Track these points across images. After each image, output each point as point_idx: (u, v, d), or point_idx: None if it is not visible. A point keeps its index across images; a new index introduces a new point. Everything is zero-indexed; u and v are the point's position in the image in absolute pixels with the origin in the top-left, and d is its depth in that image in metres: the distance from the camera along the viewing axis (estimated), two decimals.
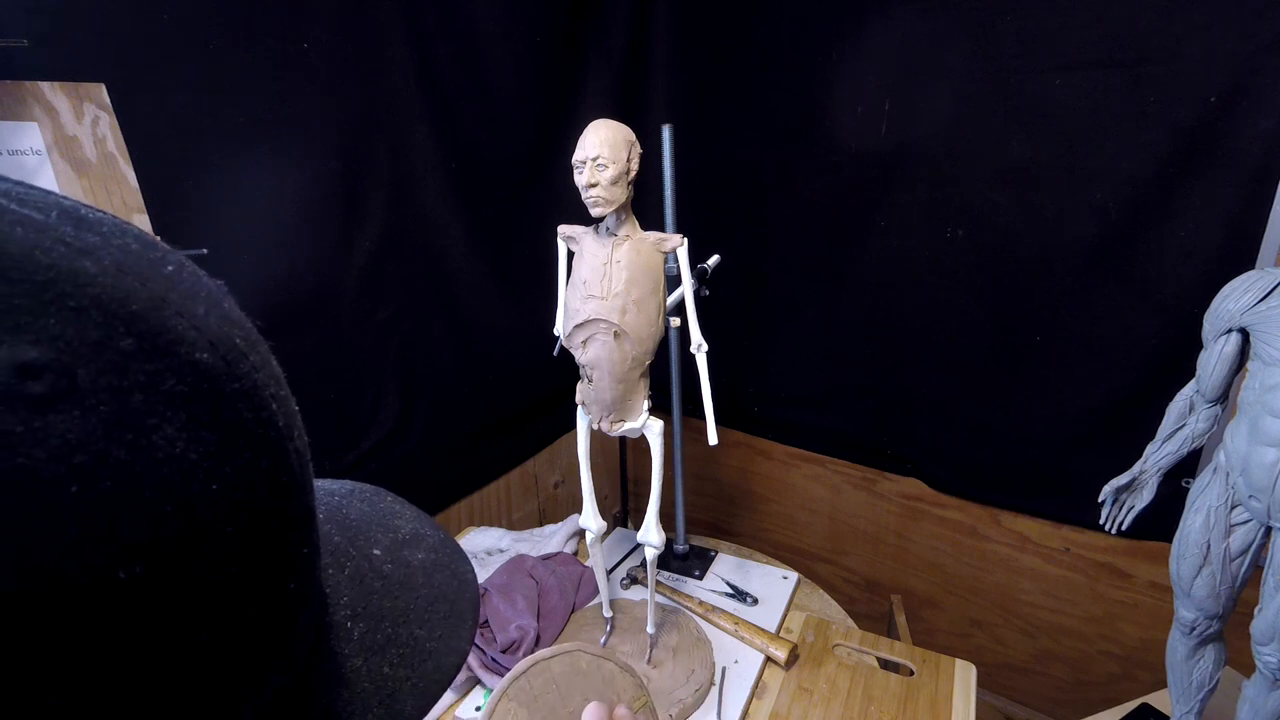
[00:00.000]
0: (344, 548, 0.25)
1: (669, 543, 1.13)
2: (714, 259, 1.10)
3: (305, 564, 0.20)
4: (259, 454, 0.18)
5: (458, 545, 0.31)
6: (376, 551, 0.26)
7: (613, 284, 0.77)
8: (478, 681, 0.93)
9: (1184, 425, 0.79)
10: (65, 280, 0.15)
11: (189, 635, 0.15)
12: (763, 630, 1.00)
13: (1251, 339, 0.69)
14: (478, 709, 0.90)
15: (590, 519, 0.91)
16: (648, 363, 0.82)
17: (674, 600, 1.08)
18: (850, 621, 1.09)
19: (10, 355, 0.13)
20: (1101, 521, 0.87)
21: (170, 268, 0.18)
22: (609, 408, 0.83)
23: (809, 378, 1.64)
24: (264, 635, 0.18)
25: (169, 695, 0.15)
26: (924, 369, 1.46)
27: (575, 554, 1.22)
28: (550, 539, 1.25)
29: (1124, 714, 1.04)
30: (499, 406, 1.59)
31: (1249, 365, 0.70)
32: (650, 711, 0.57)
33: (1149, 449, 0.83)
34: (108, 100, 0.87)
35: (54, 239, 0.15)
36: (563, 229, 0.84)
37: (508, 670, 0.90)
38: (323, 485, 0.28)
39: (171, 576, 0.15)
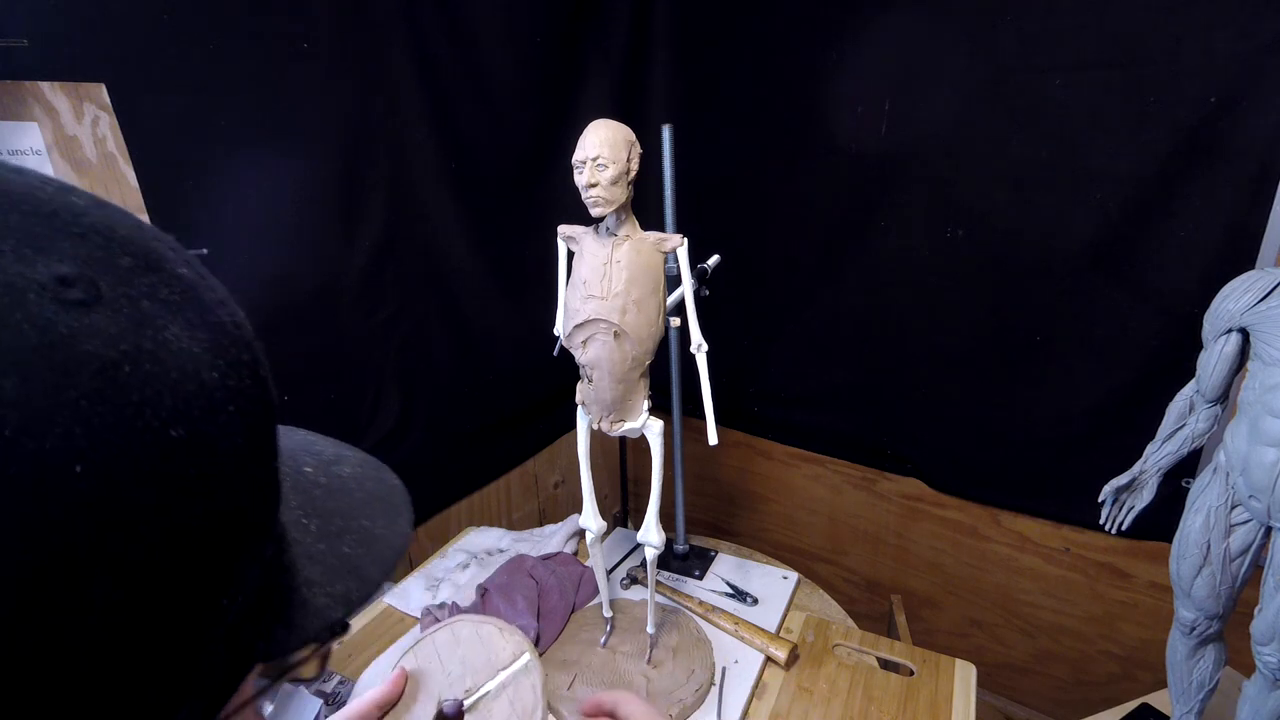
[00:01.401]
0: (279, 467, 0.29)
1: (669, 543, 1.13)
2: (714, 259, 1.10)
3: (277, 447, 0.24)
4: (240, 350, 0.22)
5: (379, 461, 0.35)
6: (307, 469, 0.30)
7: (613, 284, 0.77)
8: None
9: (1184, 425, 0.79)
10: (65, 212, 0.18)
11: (217, 485, 0.19)
12: (763, 630, 1.00)
13: (1251, 339, 0.69)
14: None
15: (590, 519, 0.91)
16: (648, 363, 0.82)
17: (674, 600, 1.08)
18: (850, 621, 1.09)
19: (49, 269, 0.17)
20: (1101, 521, 0.87)
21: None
22: (609, 408, 0.83)
23: (809, 378, 1.64)
24: (264, 493, 0.23)
25: (201, 533, 0.19)
26: (924, 369, 1.46)
27: (575, 554, 1.22)
28: (550, 539, 1.25)
29: (1124, 714, 1.04)
30: (499, 406, 1.59)
31: (1249, 365, 0.70)
32: (529, 670, 0.58)
33: (1149, 449, 0.83)
34: (108, 100, 0.87)
35: (41, 182, 0.19)
36: (563, 229, 0.84)
37: None
38: None
39: (200, 440, 0.19)
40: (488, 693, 0.58)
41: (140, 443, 0.17)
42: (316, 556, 0.26)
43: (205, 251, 0.95)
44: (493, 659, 0.60)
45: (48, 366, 0.16)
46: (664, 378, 1.12)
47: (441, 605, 1.02)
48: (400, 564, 1.41)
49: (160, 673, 0.18)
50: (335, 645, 0.29)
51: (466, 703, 0.58)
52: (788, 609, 1.09)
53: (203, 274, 0.23)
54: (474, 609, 1.02)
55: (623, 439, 1.52)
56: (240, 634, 0.21)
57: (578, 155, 0.75)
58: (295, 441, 0.32)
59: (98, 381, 0.16)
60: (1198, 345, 0.76)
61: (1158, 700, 1.05)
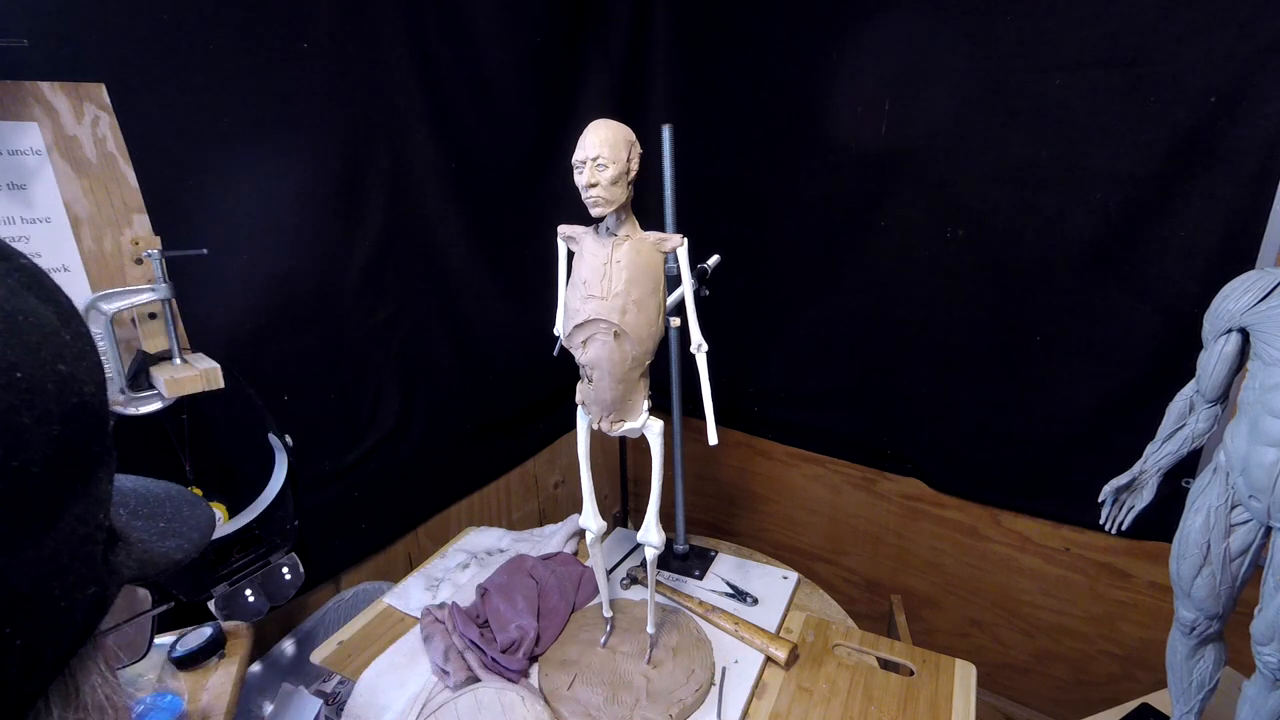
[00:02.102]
0: None
1: (669, 543, 1.13)
2: (714, 259, 1.10)
3: (106, 390, 0.29)
4: (80, 324, 0.27)
5: (160, 481, 0.42)
6: (127, 484, 0.37)
7: (613, 284, 0.77)
8: (478, 681, 0.93)
9: (1184, 425, 0.79)
10: None
11: (84, 411, 0.25)
12: (763, 630, 1.00)
13: (1251, 339, 0.69)
14: None
15: (590, 519, 0.91)
16: (648, 363, 0.82)
17: (674, 600, 1.08)
18: (850, 621, 1.09)
19: None
20: (1101, 521, 0.87)
21: None
22: (609, 408, 0.83)
23: (809, 378, 1.64)
24: (107, 429, 0.28)
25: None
26: (924, 369, 1.46)
27: (575, 554, 1.22)
28: (550, 539, 1.25)
29: (1124, 714, 1.04)
30: (499, 406, 1.59)
31: (1249, 365, 0.70)
32: None
33: (1149, 449, 0.82)
34: (108, 100, 0.87)
35: None
36: (563, 229, 0.84)
37: (508, 670, 0.90)
38: None
39: (73, 378, 0.25)
40: None
41: (43, 371, 0.23)
42: (135, 529, 0.33)
43: (205, 251, 0.94)
44: None
45: None
46: (664, 378, 1.12)
47: (441, 605, 1.02)
48: (401, 565, 1.41)
49: (76, 558, 0.25)
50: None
51: None
52: (788, 609, 1.09)
53: (37, 266, 0.28)
54: (474, 609, 1.02)
55: (623, 439, 1.52)
56: (105, 555, 0.28)
57: (577, 155, 0.75)
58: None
59: (6, 323, 0.22)
60: (1198, 345, 0.76)
61: (1158, 700, 1.05)
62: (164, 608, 0.36)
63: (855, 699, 0.91)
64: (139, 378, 0.91)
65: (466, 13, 1.30)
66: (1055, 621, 1.47)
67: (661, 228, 1.09)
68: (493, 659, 0.92)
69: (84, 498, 0.25)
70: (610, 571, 1.17)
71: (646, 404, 0.85)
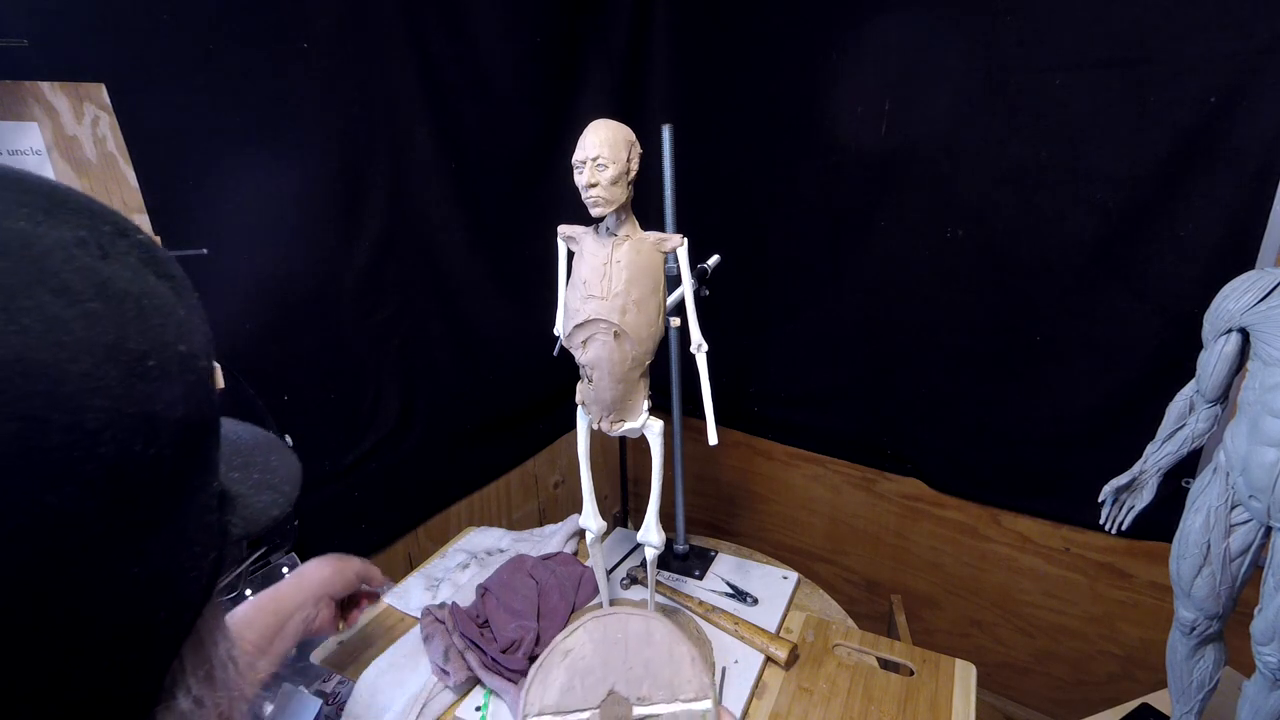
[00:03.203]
0: None
1: (669, 543, 1.13)
2: (714, 259, 1.10)
3: (214, 379, 0.30)
4: (190, 295, 0.27)
5: (247, 424, 0.43)
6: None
7: (613, 284, 0.77)
8: (478, 681, 0.93)
9: (1184, 425, 0.79)
10: (53, 192, 0.23)
11: (199, 385, 0.25)
12: (763, 630, 1.00)
13: (1251, 339, 0.69)
14: (478, 709, 0.90)
15: (590, 519, 0.91)
16: (648, 363, 0.82)
17: (674, 600, 1.08)
18: (850, 621, 1.09)
19: (70, 233, 0.22)
20: (1101, 521, 0.87)
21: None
22: (609, 408, 0.83)
23: (809, 378, 1.64)
24: (215, 398, 0.28)
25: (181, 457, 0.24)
26: (924, 369, 1.46)
27: (575, 554, 1.22)
28: (550, 539, 1.25)
29: (1124, 714, 1.04)
30: (499, 406, 1.59)
31: (1249, 365, 0.70)
32: (705, 718, 0.54)
33: (1149, 449, 0.82)
34: (108, 100, 0.86)
35: (20, 171, 0.24)
36: (563, 229, 0.84)
37: (508, 670, 0.90)
38: None
39: (188, 355, 0.24)
40: (658, 715, 0.55)
41: (168, 354, 0.23)
42: (234, 482, 0.33)
43: (205, 251, 0.94)
44: (676, 683, 0.56)
45: (107, 298, 0.21)
46: (664, 378, 1.12)
47: (441, 605, 1.02)
48: (401, 564, 1.41)
49: (187, 542, 0.25)
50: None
51: (635, 711, 0.56)
52: (788, 609, 1.09)
53: (150, 238, 0.28)
54: (474, 609, 1.02)
55: (623, 439, 1.52)
56: (221, 517, 0.29)
57: (578, 155, 0.75)
58: None
59: (135, 310, 0.22)
60: (1198, 345, 0.76)
61: (1158, 700, 1.05)
62: (253, 558, 0.37)
63: (855, 699, 0.91)
64: None
65: (466, 12, 1.30)
66: (1055, 621, 1.47)
67: (661, 228, 1.09)
68: (493, 659, 0.92)
69: (203, 469, 0.26)
70: (610, 571, 1.17)
71: (646, 404, 0.85)
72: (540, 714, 0.56)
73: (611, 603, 0.99)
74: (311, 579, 0.84)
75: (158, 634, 0.23)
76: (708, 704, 0.55)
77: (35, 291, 0.19)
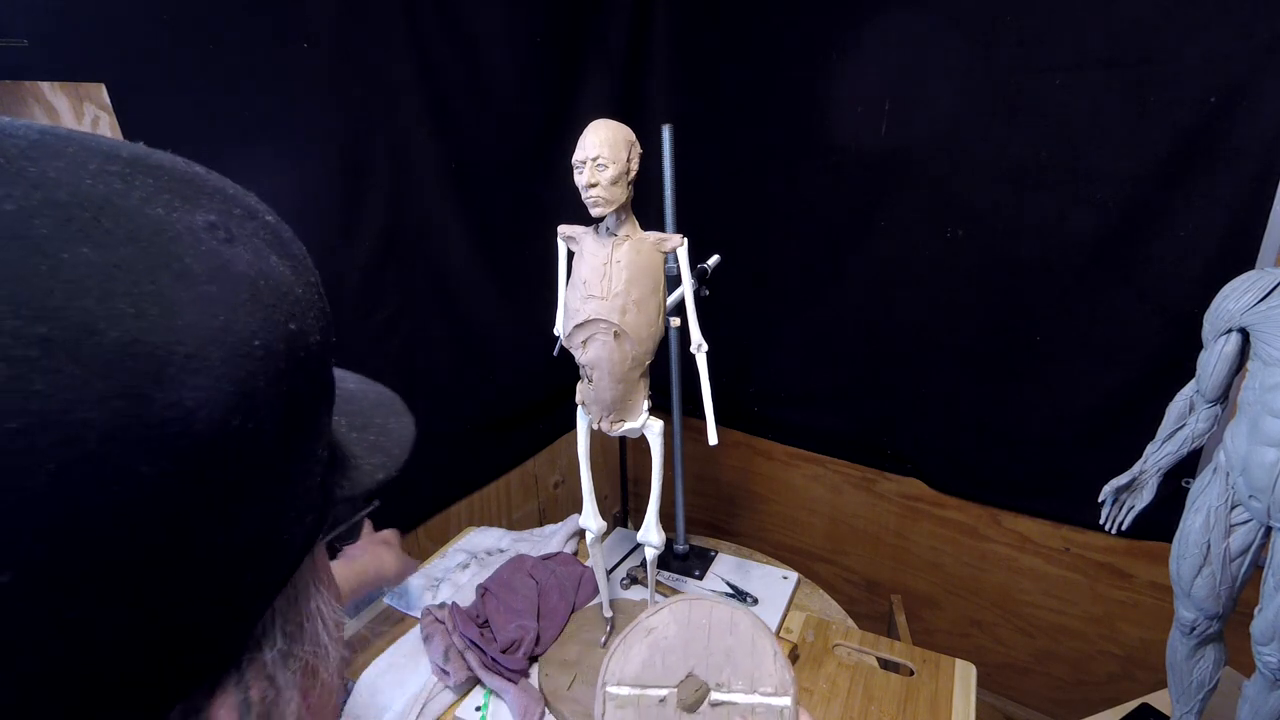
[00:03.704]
0: None
1: (669, 543, 1.13)
2: (714, 259, 1.10)
3: (327, 346, 0.29)
4: (309, 273, 0.28)
5: (364, 377, 0.44)
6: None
7: (613, 284, 0.77)
8: (478, 681, 0.93)
9: (1184, 425, 0.79)
10: (193, 176, 0.25)
11: (313, 365, 0.26)
12: None
13: (1251, 339, 0.69)
14: (478, 709, 0.90)
15: (590, 519, 0.91)
16: (648, 363, 0.82)
17: None
18: (850, 621, 1.09)
19: (203, 218, 0.23)
20: (1101, 521, 0.87)
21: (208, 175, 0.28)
22: (609, 408, 0.83)
23: (809, 378, 1.64)
24: (331, 375, 0.30)
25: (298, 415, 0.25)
26: (924, 369, 1.46)
27: (575, 554, 1.22)
28: (550, 539, 1.25)
29: (1124, 714, 1.04)
30: (499, 406, 1.59)
31: (1249, 365, 0.70)
32: (783, 716, 0.54)
33: (1149, 449, 0.83)
34: (108, 100, 0.86)
35: (166, 155, 0.26)
36: (563, 229, 0.84)
37: (508, 670, 0.90)
38: None
39: (302, 334, 0.25)
40: (735, 704, 0.55)
41: (277, 333, 0.23)
42: (352, 442, 0.34)
43: None
44: (756, 675, 0.56)
45: (223, 281, 0.22)
46: (664, 378, 1.12)
47: (442, 605, 1.02)
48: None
49: (300, 494, 0.26)
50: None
51: (713, 695, 0.56)
52: (788, 609, 1.09)
53: (278, 219, 0.30)
54: (474, 609, 1.02)
55: (623, 439, 1.52)
56: (329, 479, 0.29)
57: (577, 155, 0.75)
58: None
59: (249, 292, 0.23)
60: (1198, 345, 0.76)
61: (1158, 700, 1.05)
62: (373, 506, 0.37)
63: (855, 699, 0.91)
64: None
65: (466, 13, 1.30)
66: (1055, 621, 1.47)
67: (661, 228, 1.09)
68: (493, 659, 0.92)
69: (308, 438, 0.26)
70: (610, 571, 1.17)
71: (646, 404, 0.85)
72: (620, 684, 0.56)
73: (612, 605, 0.99)
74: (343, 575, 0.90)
75: (245, 593, 0.24)
76: (788, 701, 0.54)
77: (159, 276, 0.20)
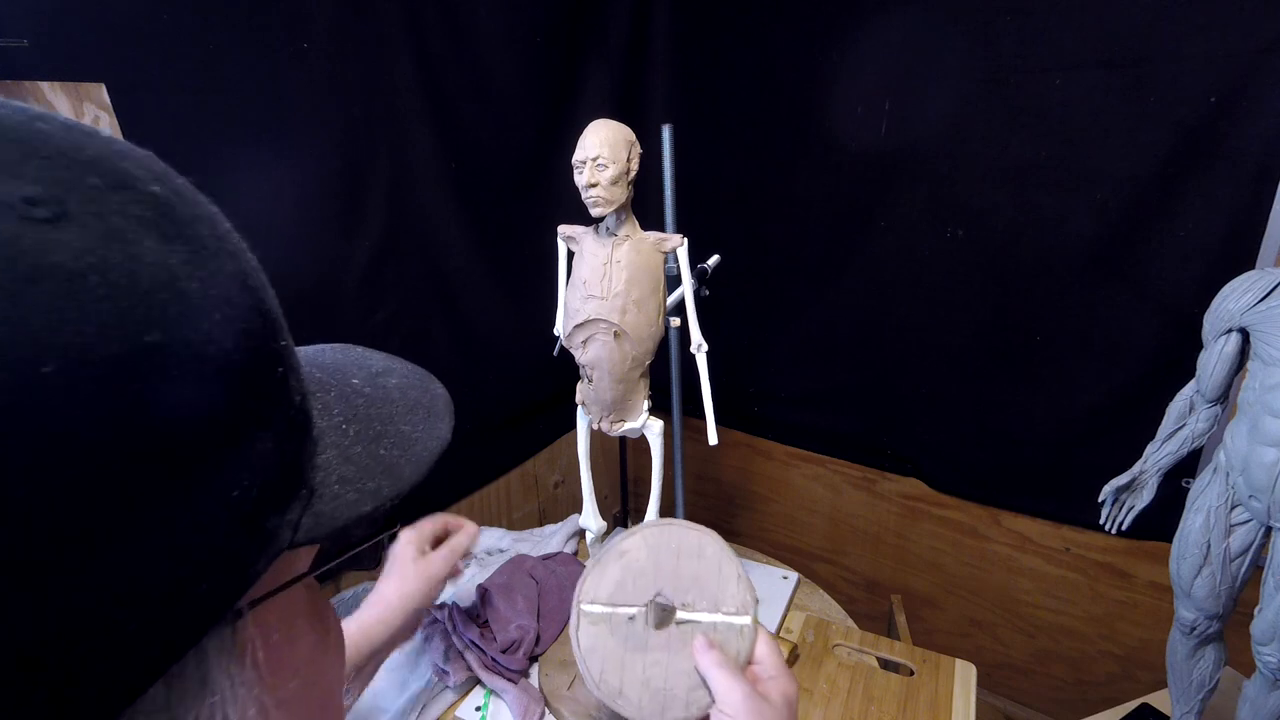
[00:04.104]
0: (325, 380, 0.32)
1: None
2: (714, 259, 1.10)
3: (281, 352, 0.25)
4: (224, 261, 0.23)
5: (426, 372, 0.40)
6: (355, 381, 0.34)
7: (613, 284, 0.77)
8: (478, 681, 0.93)
9: (1184, 425, 0.79)
10: (32, 138, 0.20)
11: (204, 386, 0.21)
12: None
13: (1251, 339, 0.69)
14: (478, 709, 0.90)
15: (590, 519, 0.91)
16: (648, 363, 0.82)
17: None
18: (850, 621, 1.09)
19: (17, 189, 0.18)
20: (1101, 521, 0.87)
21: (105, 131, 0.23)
22: (609, 408, 0.83)
23: (809, 378, 1.64)
24: (263, 393, 0.24)
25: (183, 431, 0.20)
26: (924, 369, 1.46)
27: (575, 554, 1.22)
28: (550, 539, 1.25)
29: (1124, 714, 1.04)
30: (499, 406, 1.59)
31: (1249, 365, 0.70)
32: (743, 634, 0.58)
33: (1149, 449, 0.83)
34: (108, 100, 0.86)
35: (10, 110, 0.20)
36: (563, 229, 0.84)
37: (508, 670, 0.90)
38: (300, 347, 0.34)
39: (180, 345, 0.20)
40: (699, 622, 0.59)
41: (112, 344, 0.18)
42: (353, 458, 0.29)
43: None
44: (720, 597, 0.60)
45: (12, 276, 0.17)
46: (664, 378, 1.12)
47: (441, 605, 1.02)
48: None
49: (173, 551, 0.20)
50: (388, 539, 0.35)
51: (679, 614, 0.59)
52: (788, 609, 1.09)
53: (178, 190, 0.24)
54: (474, 609, 1.02)
55: (623, 439, 1.52)
56: (260, 521, 0.23)
57: (578, 155, 0.75)
58: (350, 357, 0.37)
59: (65, 288, 0.17)
60: (1198, 345, 0.76)
61: (1158, 700, 1.05)
62: (395, 530, 0.33)
63: (855, 699, 0.91)
64: None
65: (466, 13, 1.30)
66: (1055, 621, 1.47)
67: (661, 228, 1.09)
68: (493, 659, 0.92)
69: (223, 469, 0.21)
70: None
71: (646, 404, 0.85)
72: (593, 602, 0.61)
73: None
74: (393, 603, 0.72)
75: (123, 647, 0.19)
76: (747, 620, 0.58)
77: None
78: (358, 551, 0.32)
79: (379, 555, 0.34)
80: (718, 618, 0.58)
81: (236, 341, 0.22)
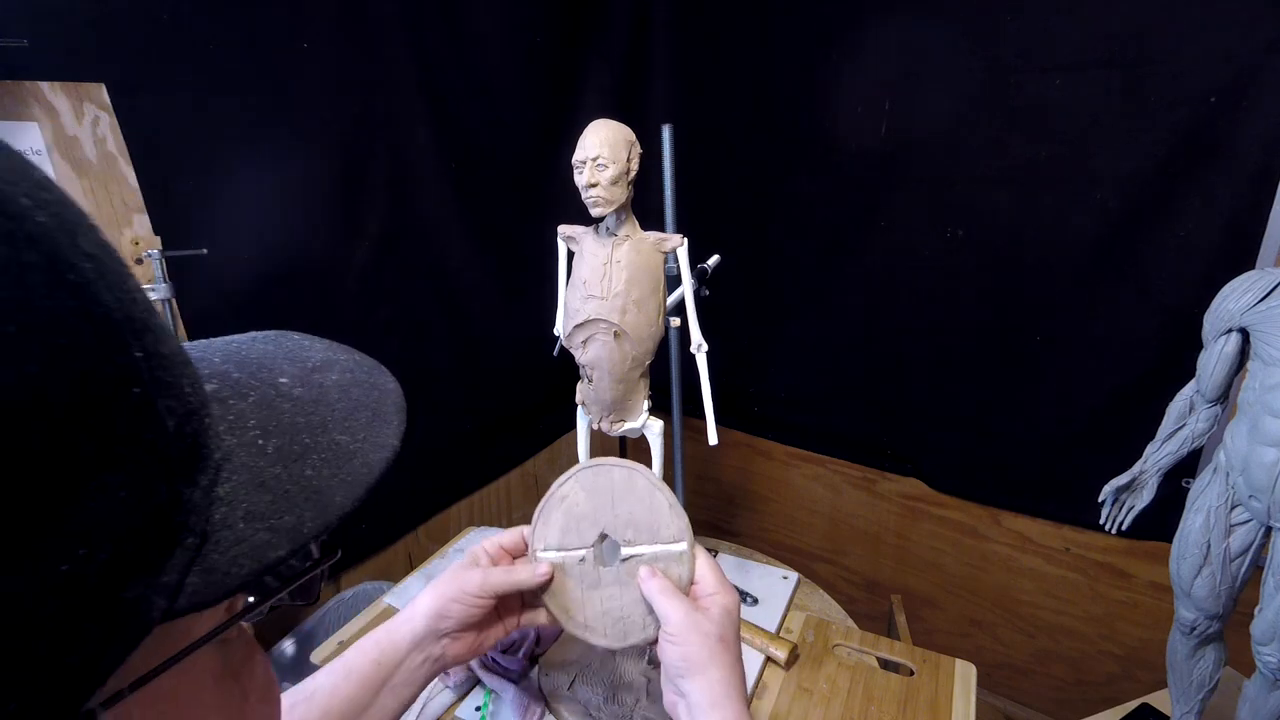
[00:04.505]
0: (244, 382, 0.27)
1: None
2: (714, 259, 1.10)
3: (145, 368, 0.20)
4: (16, 249, 0.17)
5: (376, 364, 0.34)
6: (283, 380, 0.28)
7: (613, 284, 0.77)
8: (478, 681, 0.93)
9: (1184, 425, 0.79)
10: None
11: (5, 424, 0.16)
12: (763, 630, 1.00)
13: (1251, 339, 0.69)
14: (478, 709, 0.90)
15: None
16: (648, 363, 0.82)
17: None
18: (850, 621, 1.09)
19: None
20: (1101, 521, 0.87)
21: None
22: (609, 408, 0.83)
23: (809, 378, 1.64)
24: (100, 426, 0.18)
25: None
26: (924, 369, 1.46)
27: None
28: None
29: (1124, 714, 1.04)
30: (499, 406, 1.59)
31: (1249, 365, 0.70)
32: (682, 560, 0.62)
33: (1149, 449, 0.83)
34: (108, 100, 0.87)
35: None
36: (563, 229, 0.84)
37: (508, 669, 0.90)
38: (223, 338, 0.30)
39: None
40: (641, 554, 0.64)
41: None
42: (270, 483, 0.23)
43: (205, 251, 0.95)
44: (655, 529, 0.64)
45: None
46: (664, 378, 1.12)
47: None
48: (401, 564, 1.41)
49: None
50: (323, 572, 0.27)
51: (624, 551, 0.64)
52: (788, 609, 1.09)
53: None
54: None
55: (623, 439, 1.52)
56: (113, 594, 0.18)
57: (577, 155, 0.75)
58: (284, 349, 0.31)
59: None
60: (1198, 345, 0.76)
61: (1158, 700, 1.05)
62: (330, 561, 0.27)
63: (855, 699, 0.91)
64: None
65: (466, 13, 1.30)
66: (1055, 621, 1.47)
67: (661, 228, 1.09)
68: (493, 659, 0.92)
69: (42, 537, 0.16)
70: None
71: (646, 404, 0.85)
72: (546, 550, 0.66)
73: None
74: (420, 609, 0.64)
75: None
76: (684, 545, 0.63)
77: None
78: (287, 591, 0.26)
79: (317, 589, 0.28)
80: (657, 548, 0.63)
81: (42, 362, 0.16)
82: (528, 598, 0.69)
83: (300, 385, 0.28)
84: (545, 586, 0.66)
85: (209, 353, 0.29)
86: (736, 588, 1.12)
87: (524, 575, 0.65)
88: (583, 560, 0.65)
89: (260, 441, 0.24)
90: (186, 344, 0.27)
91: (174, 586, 0.19)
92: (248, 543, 0.21)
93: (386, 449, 0.27)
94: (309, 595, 0.28)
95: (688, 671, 0.55)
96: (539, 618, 0.69)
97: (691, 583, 0.62)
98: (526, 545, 0.69)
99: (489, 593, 0.64)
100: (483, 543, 0.70)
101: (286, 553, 0.22)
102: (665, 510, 0.64)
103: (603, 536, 0.65)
